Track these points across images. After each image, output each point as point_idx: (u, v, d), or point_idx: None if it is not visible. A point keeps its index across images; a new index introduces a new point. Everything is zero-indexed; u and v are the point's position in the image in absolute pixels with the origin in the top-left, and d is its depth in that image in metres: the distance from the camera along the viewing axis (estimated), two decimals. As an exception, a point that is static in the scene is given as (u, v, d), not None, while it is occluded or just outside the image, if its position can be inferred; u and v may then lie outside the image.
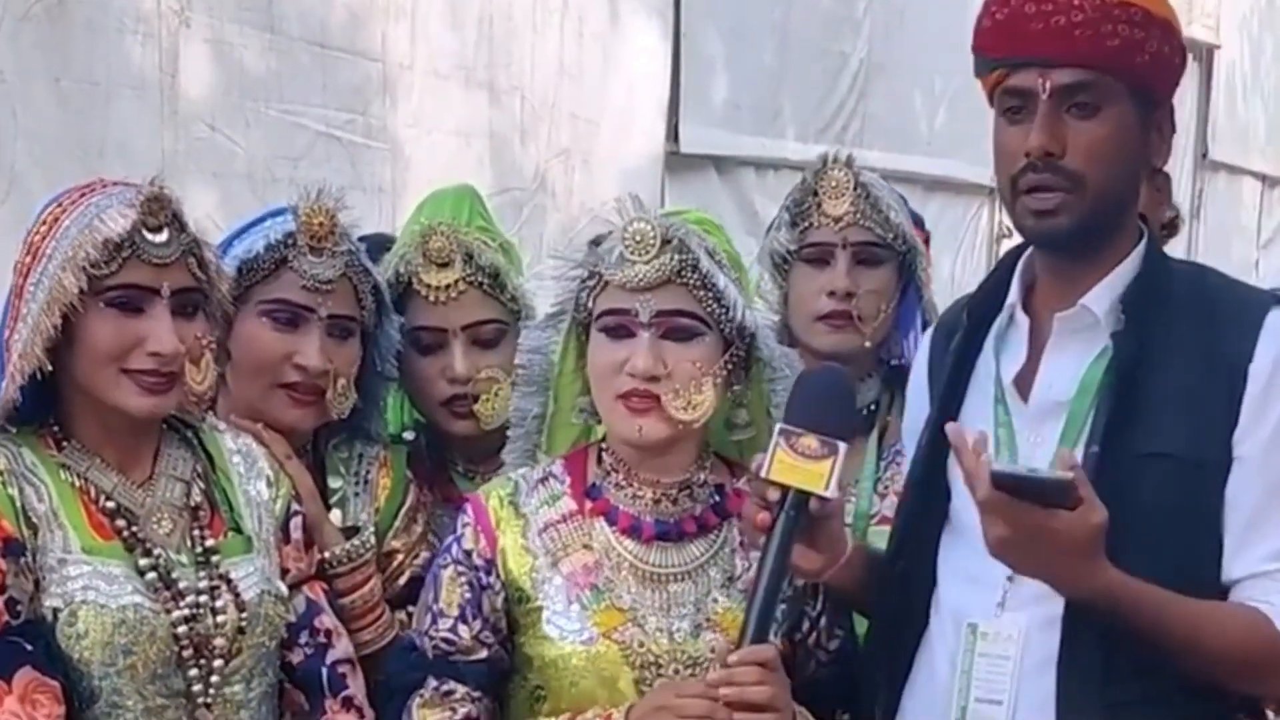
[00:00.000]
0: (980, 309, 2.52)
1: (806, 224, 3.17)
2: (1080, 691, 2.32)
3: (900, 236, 3.15)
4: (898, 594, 2.50)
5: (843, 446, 2.31)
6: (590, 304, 2.53)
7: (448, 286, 2.96)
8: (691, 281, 2.47)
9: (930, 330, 2.71)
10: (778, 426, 2.33)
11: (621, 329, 2.47)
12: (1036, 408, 2.41)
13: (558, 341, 2.60)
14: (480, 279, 2.98)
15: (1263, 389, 2.32)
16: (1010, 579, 2.35)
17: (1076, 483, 2.16)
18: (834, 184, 3.15)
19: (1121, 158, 2.36)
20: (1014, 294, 2.48)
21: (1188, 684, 2.33)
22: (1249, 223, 13.02)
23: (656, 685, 2.41)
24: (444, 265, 2.97)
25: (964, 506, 2.36)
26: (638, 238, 2.48)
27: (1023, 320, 2.46)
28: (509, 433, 2.68)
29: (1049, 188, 2.34)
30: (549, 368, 2.61)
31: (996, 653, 2.36)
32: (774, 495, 2.30)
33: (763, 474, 2.31)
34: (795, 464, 2.30)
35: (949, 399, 2.48)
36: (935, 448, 2.43)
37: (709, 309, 2.48)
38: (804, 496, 2.31)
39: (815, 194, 3.17)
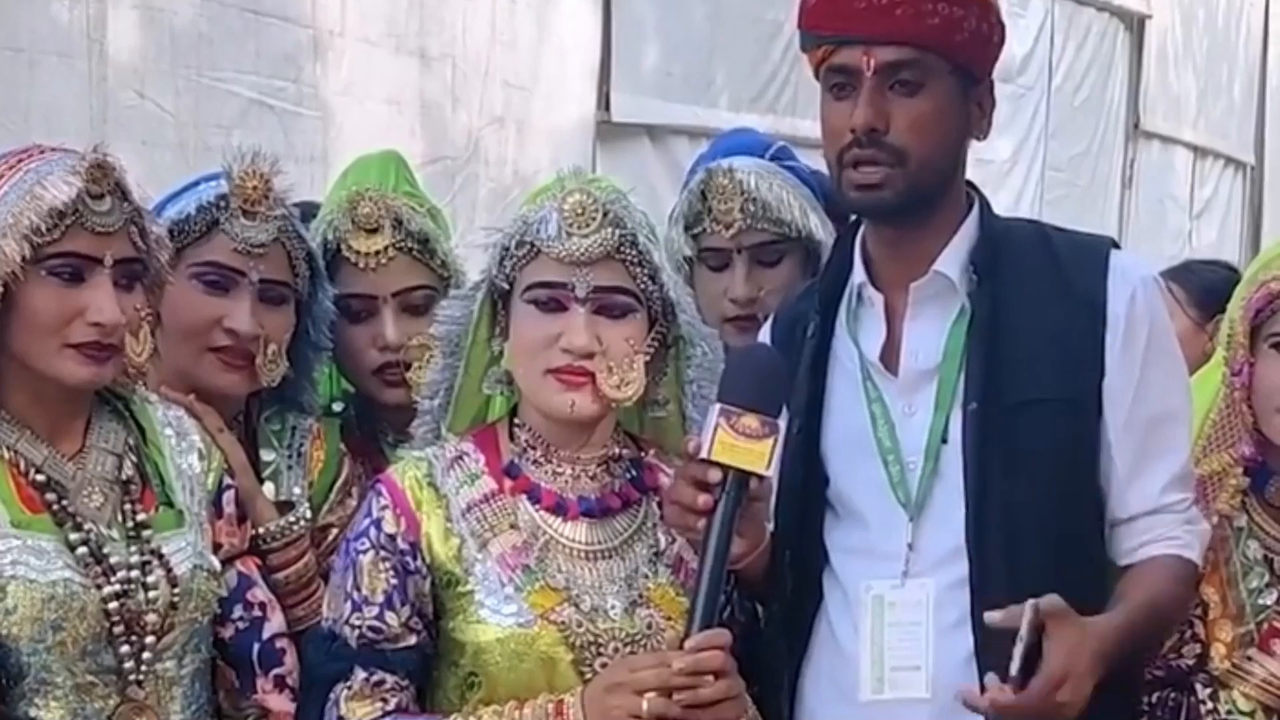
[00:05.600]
0: (828, 294, 2.57)
1: (700, 229, 3.16)
2: (1000, 643, 2.37)
3: (796, 229, 3.12)
4: (789, 575, 2.54)
5: (782, 425, 2.31)
6: (515, 274, 2.47)
7: (377, 253, 2.94)
8: (630, 257, 2.44)
9: (768, 324, 2.73)
10: (716, 406, 2.31)
11: (554, 302, 2.42)
12: (906, 379, 2.49)
13: (473, 310, 2.53)
14: (410, 245, 2.95)
15: (1123, 333, 2.44)
16: (910, 546, 2.45)
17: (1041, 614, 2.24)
18: (720, 191, 3.13)
19: (943, 133, 2.46)
20: (859, 273, 2.55)
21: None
22: (1181, 193, 13.12)
23: (602, 664, 2.37)
24: (373, 231, 2.94)
25: (843, 489, 2.51)
26: (578, 210, 2.43)
27: (875, 297, 2.53)
28: (419, 405, 2.60)
29: (873, 162, 2.42)
30: (463, 336, 2.55)
31: (907, 620, 2.44)
32: (715, 476, 2.29)
33: (703, 455, 2.29)
34: (736, 444, 2.28)
35: (814, 386, 2.53)
36: (809, 434, 2.50)
37: (643, 285, 2.45)
38: (744, 477, 2.30)
39: (704, 199, 3.15)
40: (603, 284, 2.42)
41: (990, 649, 2.38)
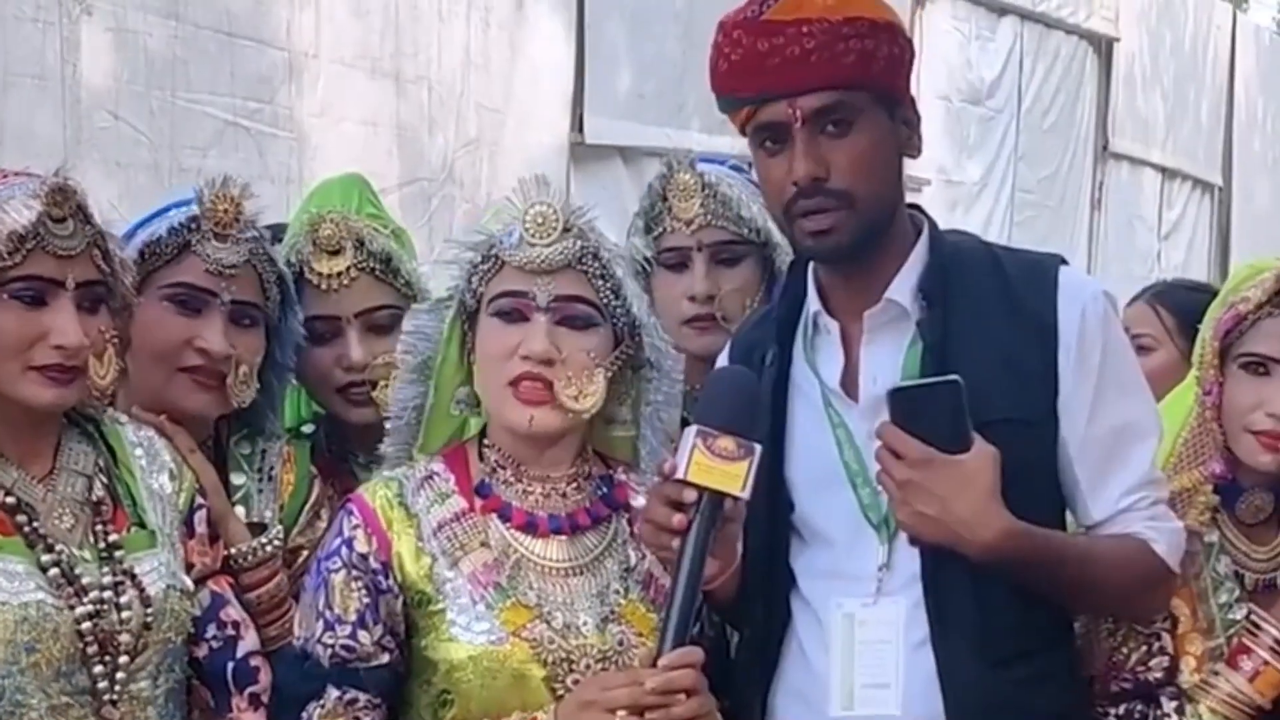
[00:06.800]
0: (784, 322, 2.58)
1: (660, 229, 3.17)
2: (959, 661, 2.42)
3: (755, 230, 3.13)
4: (758, 595, 2.55)
5: (758, 448, 2.31)
6: (482, 288, 2.49)
7: (339, 274, 2.94)
8: (591, 269, 2.46)
9: (724, 352, 2.73)
10: (694, 428, 2.31)
11: (516, 312, 2.44)
12: (867, 404, 2.49)
13: (442, 329, 2.55)
14: (372, 265, 2.96)
15: (1075, 351, 2.46)
16: (884, 566, 2.46)
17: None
18: (681, 187, 3.14)
19: (883, 164, 2.47)
20: (814, 302, 2.56)
21: (1055, 633, 2.51)
22: (1150, 214, 13.20)
23: (574, 680, 2.38)
24: (334, 253, 2.94)
25: (811, 514, 2.52)
26: (539, 220, 2.45)
27: (831, 324, 2.54)
28: (387, 424, 2.61)
29: (821, 210, 2.42)
30: (432, 355, 2.56)
31: (877, 638, 2.45)
32: (690, 497, 2.30)
33: (679, 475, 2.29)
34: (713, 465, 2.29)
35: (775, 414, 2.53)
36: (773, 460, 2.48)
37: (605, 299, 2.47)
38: (719, 498, 2.30)
39: (665, 198, 3.16)
40: (564, 293, 2.44)
41: (952, 668, 2.41)
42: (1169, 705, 2.61)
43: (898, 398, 2.37)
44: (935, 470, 2.34)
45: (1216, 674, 2.61)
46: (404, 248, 3.03)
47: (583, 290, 2.46)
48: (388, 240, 2.99)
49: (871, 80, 2.43)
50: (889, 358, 2.49)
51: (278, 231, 3.01)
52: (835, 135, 2.42)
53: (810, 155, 2.40)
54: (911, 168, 2.58)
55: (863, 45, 2.40)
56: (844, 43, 2.39)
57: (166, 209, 2.78)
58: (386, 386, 2.81)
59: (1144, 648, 2.64)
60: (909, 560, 2.44)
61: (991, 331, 2.46)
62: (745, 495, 2.31)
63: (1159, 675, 2.64)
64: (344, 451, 3.04)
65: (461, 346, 2.55)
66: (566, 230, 2.46)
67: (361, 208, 3.03)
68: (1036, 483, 2.45)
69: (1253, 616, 2.65)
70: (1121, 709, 2.64)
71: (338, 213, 2.97)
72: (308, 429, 3.12)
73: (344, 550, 2.45)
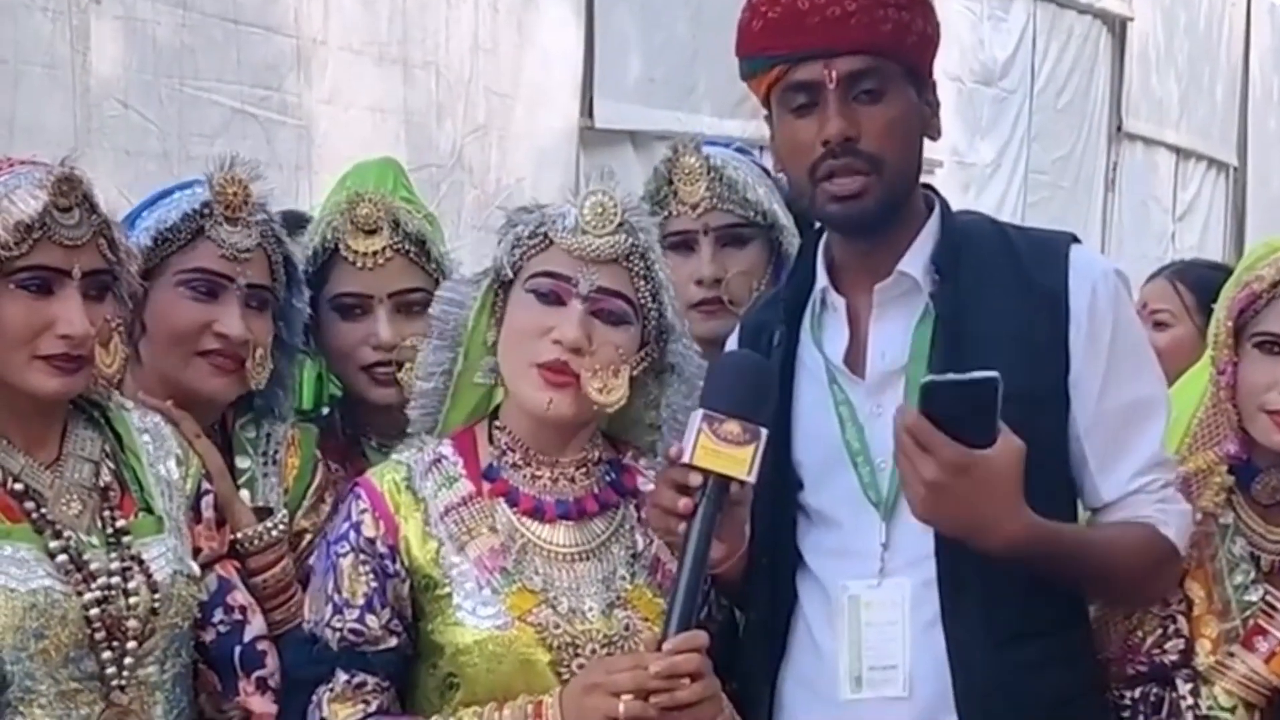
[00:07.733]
0: (792, 302, 2.58)
1: (666, 213, 3.15)
2: (969, 641, 2.42)
3: (762, 213, 3.12)
4: (765, 577, 2.55)
5: (764, 432, 2.31)
6: (523, 262, 2.49)
7: (375, 253, 2.96)
8: (636, 268, 2.47)
9: (734, 334, 2.73)
10: (699, 411, 2.32)
11: (553, 295, 2.44)
12: (873, 380, 2.49)
13: (477, 297, 2.56)
14: (407, 247, 2.98)
15: (1086, 328, 2.45)
16: (885, 545, 2.45)
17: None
18: (687, 170, 3.13)
19: (910, 136, 2.48)
20: (822, 278, 2.55)
21: (1066, 613, 2.50)
22: (1164, 195, 13.15)
23: (579, 665, 2.39)
24: (371, 232, 2.96)
25: (816, 492, 2.52)
26: (599, 209, 2.46)
27: (838, 300, 2.53)
28: (415, 387, 2.62)
29: (850, 171, 2.42)
30: (464, 322, 2.56)
31: (883, 620, 2.45)
32: (695, 480, 2.30)
33: (685, 459, 2.29)
34: (719, 449, 2.29)
35: (782, 394, 2.52)
36: (780, 441, 2.47)
37: (643, 299, 2.48)
38: (725, 482, 2.30)
39: (670, 182, 3.16)
40: (605, 285, 2.45)
41: (962, 649, 2.41)
42: (1185, 687, 2.61)
43: (933, 390, 2.30)
44: (968, 475, 2.28)
45: (1232, 655, 2.61)
46: (436, 232, 3.05)
47: (623, 287, 2.46)
48: (422, 223, 3.01)
49: (905, 53, 2.45)
50: (898, 332, 2.48)
51: (286, 218, 3.01)
52: (866, 101, 2.43)
53: (843, 115, 2.42)
54: (924, 150, 2.57)
55: (900, 16, 2.43)
56: (883, 10, 2.42)
57: (169, 191, 2.79)
58: (412, 369, 2.81)
59: (1159, 630, 2.64)
60: (910, 540, 2.44)
61: (1003, 306, 2.46)
62: (751, 479, 2.31)
63: (1175, 658, 2.63)
64: (357, 434, 3.05)
65: (491, 316, 2.55)
66: (621, 225, 2.46)
67: (396, 191, 3.05)
68: (1047, 459, 2.43)
69: (1268, 598, 2.64)
70: (1137, 691, 2.63)
71: (376, 193, 2.99)
72: (325, 411, 3.13)
73: (352, 534, 2.46)
